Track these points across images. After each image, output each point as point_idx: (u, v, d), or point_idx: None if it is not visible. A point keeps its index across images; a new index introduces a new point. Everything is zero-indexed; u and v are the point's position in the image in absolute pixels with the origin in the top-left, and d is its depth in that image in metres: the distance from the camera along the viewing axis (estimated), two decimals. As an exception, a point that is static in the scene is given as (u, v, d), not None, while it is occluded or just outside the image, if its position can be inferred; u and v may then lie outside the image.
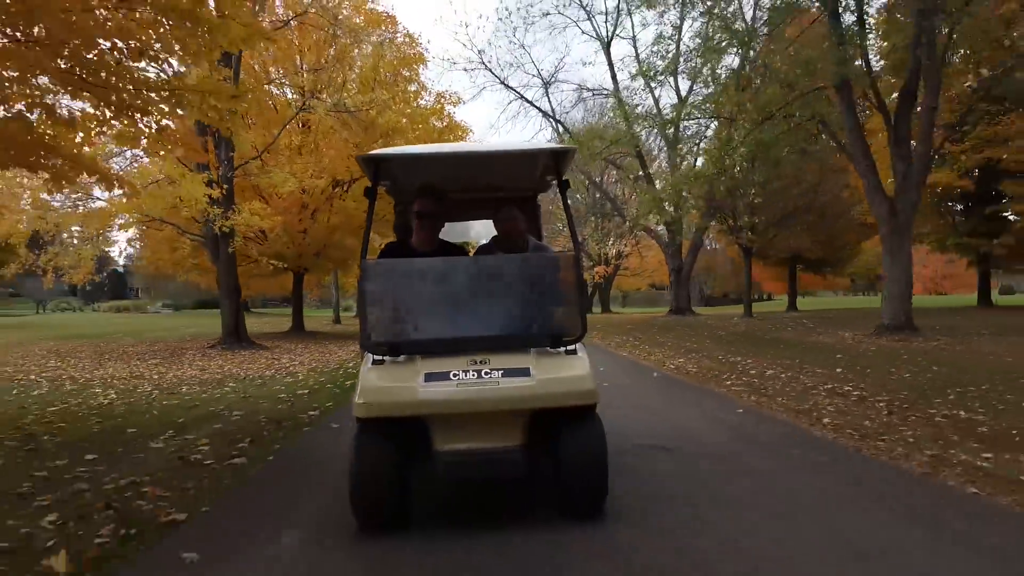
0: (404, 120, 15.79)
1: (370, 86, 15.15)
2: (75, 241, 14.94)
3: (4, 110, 5.29)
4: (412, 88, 18.83)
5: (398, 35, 18.59)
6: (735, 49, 11.29)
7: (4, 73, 4.85)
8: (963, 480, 3.31)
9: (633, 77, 19.58)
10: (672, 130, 15.05)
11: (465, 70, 37.68)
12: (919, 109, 11.04)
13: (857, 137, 10.87)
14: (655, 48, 13.96)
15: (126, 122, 5.73)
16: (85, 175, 6.30)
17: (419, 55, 18.44)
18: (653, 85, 18.05)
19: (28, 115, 5.20)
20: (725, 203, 18.22)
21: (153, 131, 5.97)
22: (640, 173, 22.76)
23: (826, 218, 21.26)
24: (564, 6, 24.25)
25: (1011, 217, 18.89)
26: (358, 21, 16.95)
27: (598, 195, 31.94)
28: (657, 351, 10.88)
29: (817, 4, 10.57)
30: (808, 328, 14.25)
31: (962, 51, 12.04)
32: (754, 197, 18.27)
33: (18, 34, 4.61)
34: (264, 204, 14.03)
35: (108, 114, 5.50)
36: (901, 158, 10.67)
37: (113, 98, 5.27)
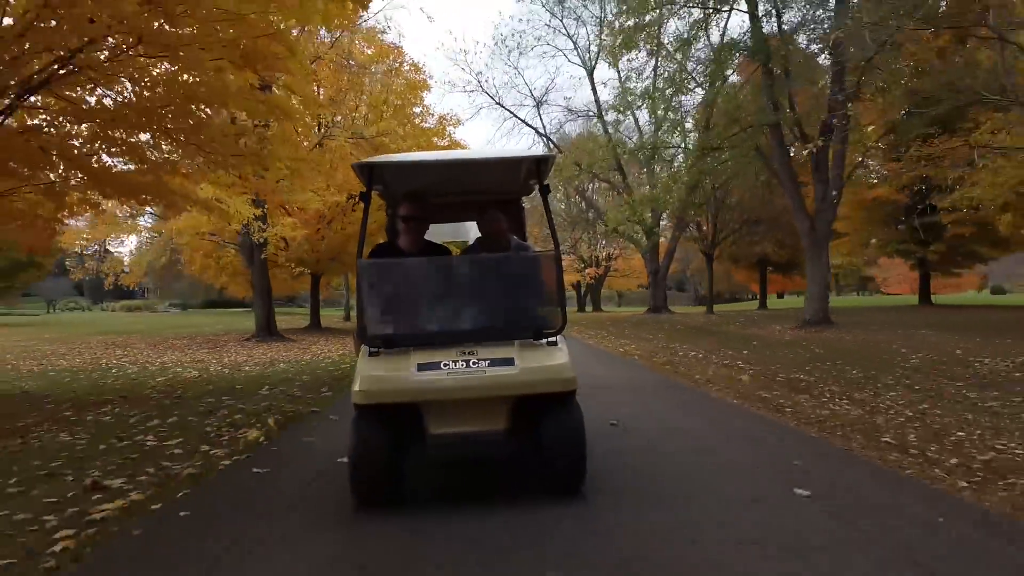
0: (409, 142, 18.03)
1: (380, 114, 17.39)
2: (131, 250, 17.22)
3: (140, 165, 7.55)
4: (417, 110, 21.10)
5: (404, 64, 20.88)
6: (681, 95, 13.61)
7: (144, 144, 7.12)
8: (758, 407, 5.58)
9: (606, 111, 21.91)
10: (647, 150, 17.31)
11: (465, 91, 40.08)
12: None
13: (785, 167, 13.18)
14: (625, 87, 16.27)
15: (221, 172, 8.05)
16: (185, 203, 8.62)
17: (423, 82, 20.63)
18: (626, 114, 20.47)
19: (158, 172, 7.49)
20: (686, 216, 20.69)
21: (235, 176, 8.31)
22: (623, 182, 25.12)
23: (780, 226, 23.59)
24: (552, 36, 26.54)
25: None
26: (368, 52, 19.18)
27: (583, 204, 34.23)
28: (619, 340, 13.17)
29: (752, 58, 12.87)
30: (752, 323, 16.57)
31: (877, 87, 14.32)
32: (715, 212, 20.65)
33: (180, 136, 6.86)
34: (292, 218, 16.27)
35: (213, 168, 7.81)
36: (820, 182, 12.97)
37: (218, 159, 7.57)
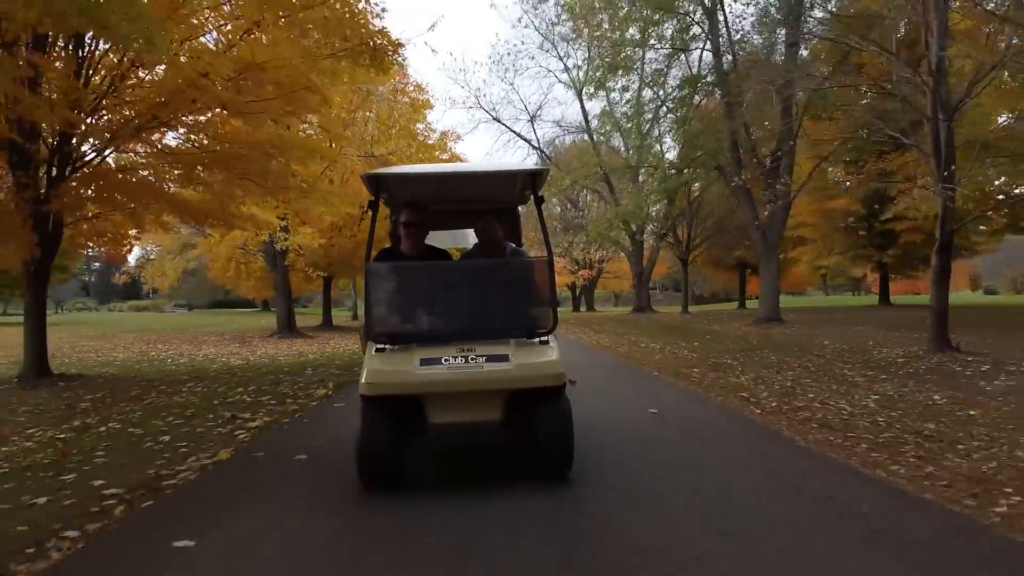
0: (414, 159, 19.90)
1: (388, 133, 19.26)
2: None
3: (205, 193, 9.42)
4: (420, 127, 22.96)
5: (408, 85, 22.74)
6: (657, 119, 15.59)
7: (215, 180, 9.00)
8: (673, 379, 7.46)
9: (594, 130, 23.86)
10: (627, 168, 19.18)
11: (464, 107, 42.10)
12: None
13: (740, 185, 15.13)
14: (605, 112, 18.26)
15: (271, 200, 9.96)
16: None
17: (426, 101, 22.53)
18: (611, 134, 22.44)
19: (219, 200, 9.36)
20: (658, 227, 22.74)
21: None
22: (610, 192, 27.04)
23: (748, 234, 25.61)
24: (544, 58, 28.48)
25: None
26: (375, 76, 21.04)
27: (573, 212, 36.24)
28: (596, 335, 15.10)
29: (712, 90, 14.83)
30: (717, 321, 18.53)
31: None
32: (689, 221, 22.67)
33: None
34: (309, 228, 18.15)
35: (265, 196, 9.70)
36: (770, 200, 14.92)
37: (272, 189, 9.46)
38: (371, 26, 8.08)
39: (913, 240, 20.67)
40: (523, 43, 38.42)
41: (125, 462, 3.90)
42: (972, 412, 5.24)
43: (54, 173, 7.64)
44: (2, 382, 7.98)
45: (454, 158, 23.66)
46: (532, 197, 3.90)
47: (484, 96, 44.40)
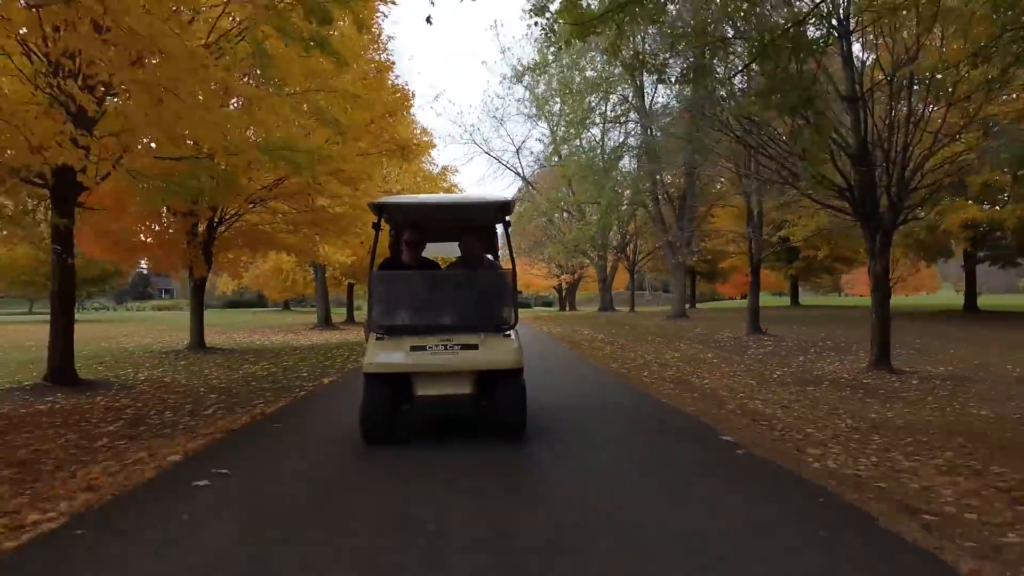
0: (420, 189, 25.00)
1: (403, 175, 24.31)
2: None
3: (300, 238, 14.45)
4: (425, 162, 28.03)
5: (416, 128, 27.80)
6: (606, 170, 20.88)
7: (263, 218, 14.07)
8: (578, 350, 12.60)
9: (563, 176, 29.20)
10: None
11: (461, 142, 47.52)
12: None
13: (658, 218, 20.29)
14: (567, 161, 23.68)
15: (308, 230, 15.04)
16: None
17: (430, 142, 27.61)
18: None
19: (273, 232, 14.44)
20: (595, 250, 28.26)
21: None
22: (579, 214, 32.26)
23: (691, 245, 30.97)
24: (527, 107, 33.75)
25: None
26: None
27: (551, 227, 41.49)
28: (554, 327, 20.22)
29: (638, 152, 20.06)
30: (647, 318, 23.73)
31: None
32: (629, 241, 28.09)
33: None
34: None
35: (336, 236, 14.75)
36: (681, 228, 20.11)
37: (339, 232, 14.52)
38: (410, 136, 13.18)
39: (809, 255, 25.87)
40: (510, 90, 44.06)
41: (288, 382, 9.01)
42: (724, 365, 10.40)
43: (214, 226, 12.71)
44: (182, 351, 13.03)
45: (452, 187, 28.80)
46: (503, 222, 4.82)
47: (478, 131, 50.23)
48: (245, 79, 8.15)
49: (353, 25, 8.00)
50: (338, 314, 28.12)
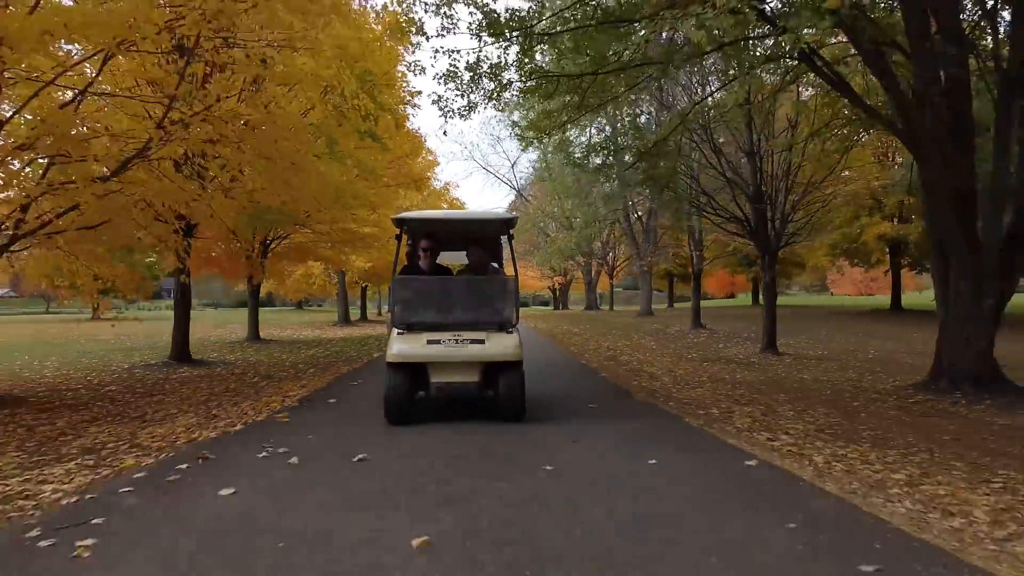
0: (426, 204, 28.17)
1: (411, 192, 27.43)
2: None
3: (335, 252, 17.62)
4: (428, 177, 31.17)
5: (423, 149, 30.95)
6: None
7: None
8: (554, 340, 15.79)
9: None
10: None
11: (462, 159, 50.83)
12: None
13: (629, 232, 23.51)
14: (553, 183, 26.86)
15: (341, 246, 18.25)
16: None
17: (435, 162, 30.79)
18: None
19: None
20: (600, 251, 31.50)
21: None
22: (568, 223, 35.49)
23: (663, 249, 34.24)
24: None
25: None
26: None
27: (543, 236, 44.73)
28: (542, 324, 23.39)
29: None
30: (620, 316, 26.96)
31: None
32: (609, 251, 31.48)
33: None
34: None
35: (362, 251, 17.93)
36: (648, 241, 23.30)
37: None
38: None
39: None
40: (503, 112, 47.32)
41: (346, 358, 12.19)
42: (656, 348, 13.58)
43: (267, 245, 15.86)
44: (238, 342, 16.15)
45: (454, 201, 32.00)
46: (507, 235, 5.47)
47: (477, 148, 53.48)
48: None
49: (392, 122, 11.14)
50: (352, 313, 31.33)
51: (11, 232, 6.01)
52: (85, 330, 21.63)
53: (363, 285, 30.51)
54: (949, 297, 7.18)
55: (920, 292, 44.13)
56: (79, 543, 2.57)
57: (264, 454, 4.14)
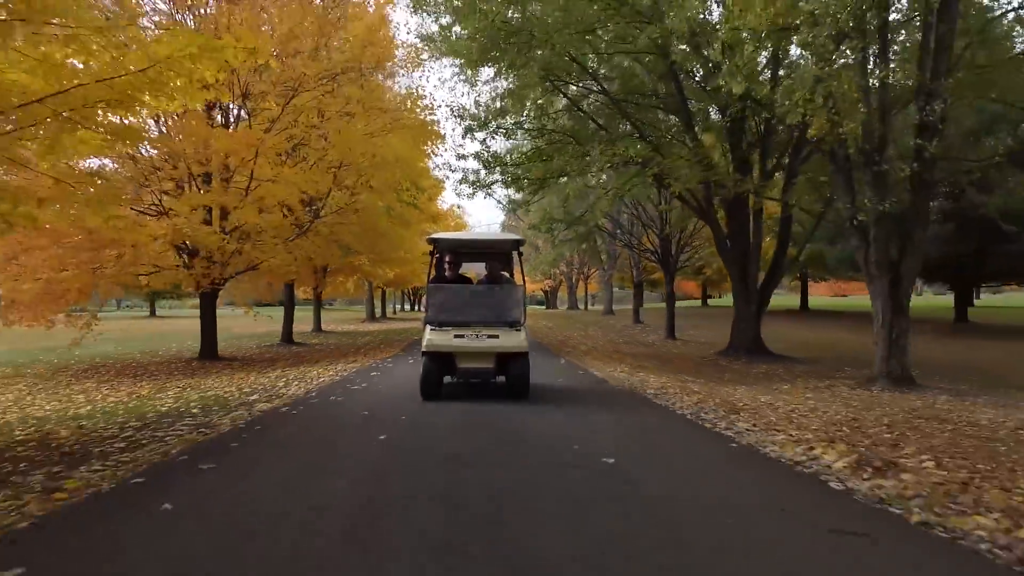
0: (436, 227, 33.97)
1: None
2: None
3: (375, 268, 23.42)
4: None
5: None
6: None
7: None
8: (536, 333, 21.61)
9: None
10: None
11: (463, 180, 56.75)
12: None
13: (593, 249, 29.40)
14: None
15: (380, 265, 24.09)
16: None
17: (442, 186, 36.56)
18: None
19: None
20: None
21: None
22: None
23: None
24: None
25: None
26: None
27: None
28: (529, 321, 29.09)
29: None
30: (590, 315, 32.77)
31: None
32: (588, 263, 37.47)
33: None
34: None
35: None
36: (611, 255, 29.09)
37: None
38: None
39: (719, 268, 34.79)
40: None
41: (395, 341, 17.99)
42: (598, 335, 19.39)
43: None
44: (310, 332, 21.84)
45: (457, 220, 37.79)
46: (516, 251, 6.86)
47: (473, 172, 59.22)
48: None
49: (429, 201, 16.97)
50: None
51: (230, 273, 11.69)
52: (187, 325, 27.22)
53: (383, 289, 36.22)
54: (737, 305, 13.03)
55: (845, 297, 50.17)
56: (332, 397, 8.19)
57: (395, 365, 9.87)
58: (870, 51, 7.97)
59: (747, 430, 4.94)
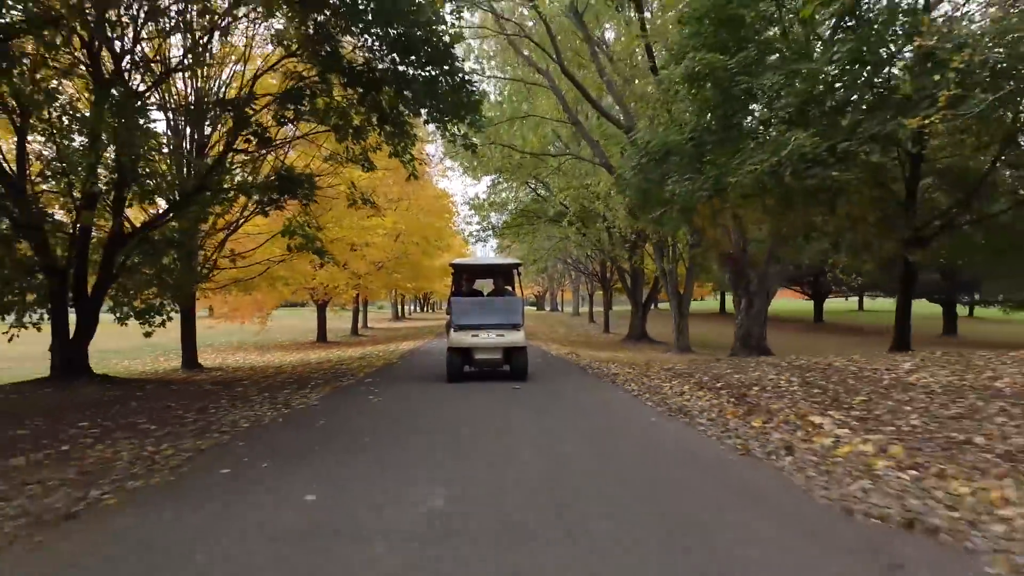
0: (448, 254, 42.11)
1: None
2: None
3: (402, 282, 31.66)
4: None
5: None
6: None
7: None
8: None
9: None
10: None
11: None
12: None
13: (575, 266, 37.62)
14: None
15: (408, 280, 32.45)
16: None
17: (451, 208, 44.77)
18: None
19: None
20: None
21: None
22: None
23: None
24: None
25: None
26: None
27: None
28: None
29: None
30: (571, 316, 41.01)
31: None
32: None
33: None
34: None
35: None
36: (582, 270, 37.33)
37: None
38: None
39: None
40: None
41: (428, 332, 26.19)
42: (561, 331, 27.55)
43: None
44: (346, 333, 29.93)
45: (463, 247, 45.79)
46: (515, 271, 9.23)
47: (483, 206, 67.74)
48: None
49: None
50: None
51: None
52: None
53: (401, 294, 44.48)
54: (633, 311, 21.38)
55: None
56: (419, 354, 16.35)
57: (436, 343, 18.07)
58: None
59: (609, 368, 13.09)
